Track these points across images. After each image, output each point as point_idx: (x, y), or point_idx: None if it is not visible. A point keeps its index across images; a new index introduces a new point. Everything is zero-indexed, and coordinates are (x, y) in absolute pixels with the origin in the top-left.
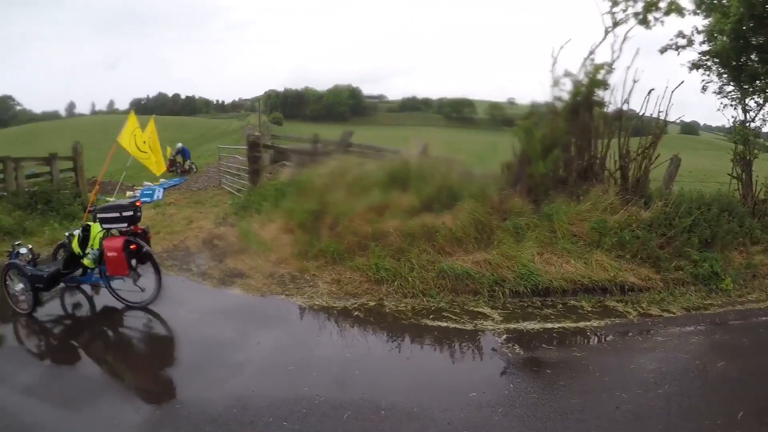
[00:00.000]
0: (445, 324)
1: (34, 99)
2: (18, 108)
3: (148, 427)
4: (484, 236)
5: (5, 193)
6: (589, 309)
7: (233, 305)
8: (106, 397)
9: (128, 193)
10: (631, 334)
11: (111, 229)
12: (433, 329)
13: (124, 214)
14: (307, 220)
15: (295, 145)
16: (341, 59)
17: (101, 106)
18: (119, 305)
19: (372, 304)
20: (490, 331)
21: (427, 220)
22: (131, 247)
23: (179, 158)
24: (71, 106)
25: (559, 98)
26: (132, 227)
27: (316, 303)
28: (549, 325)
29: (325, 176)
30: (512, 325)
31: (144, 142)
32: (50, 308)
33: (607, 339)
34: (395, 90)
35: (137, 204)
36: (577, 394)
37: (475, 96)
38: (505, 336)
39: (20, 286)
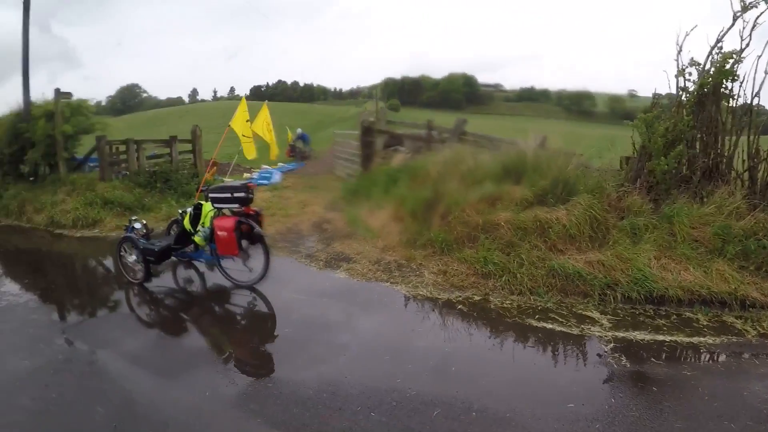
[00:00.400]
0: (550, 326)
1: (159, 87)
2: (144, 95)
3: (237, 400)
4: (598, 235)
5: (128, 172)
6: (705, 323)
7: (337, 289)
8: (204, 368)
9: (245, 175)
10: (747, 355)
11: (223, 209)
12: (538, 330)
13: (236, 195)
14: (417, 207)
15: (409, 131)
16: (458, 46)
17: (223, 92)
18: (227, 283)
19: (477, 298)
20: (596, 338)
21: (540, 214)
22: (242, 227)
23: (299, 143)
24: (194, 93)
25: (684, 89)
26: (244, 208)
27: (420, 293)
28: (660, 337)
29: (439, 164)
30: (621, 334)
31: (248, 123)
32: (162, 280)
33: (721, 359)
34: (512, 79)
35: (250, 186)
36: (681, 419)
37: (596, 88)
38: (612, 345)
39: (133, 257)
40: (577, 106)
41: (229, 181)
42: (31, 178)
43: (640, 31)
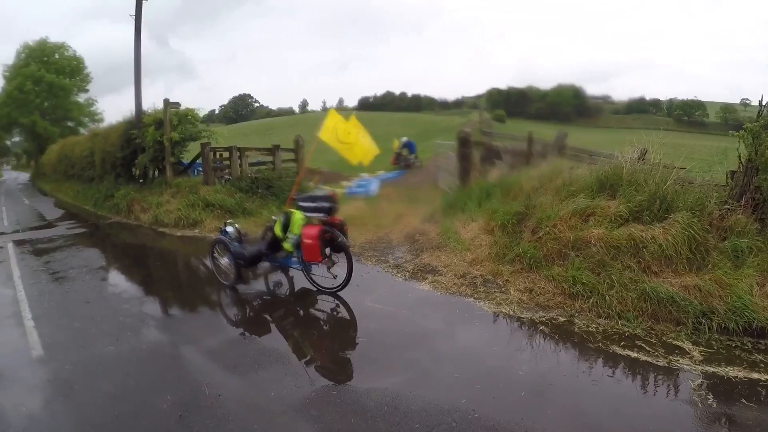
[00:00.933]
0: (635, 354)
1: (271, 97)
2: (255, 105)
3: (299, 404)
4: (697, 257)
5: (230, 177)
6: None
7: (418, 301)
8: (272, 368)
9: (344, 184)
10: None
11: (312, 217)
12: (621, 359)
13: (321, 204)
14: (508, 221)
15: (509, 143)
16: (567, 54)
17: (331, 103)
18: (313, 288)
19: (561, 320)
20: (684, 372)
21: (634, 232)
22: (326, 236)
23: (405, 152)
24: (304, 104)
25: None
26: (329, 217)
27: (503, 310)
28: (756, 375)
29: (534, 179)
30: (712, 368)
31: (348, 133)
32: (253, 283)
33: None
34: (621, 90)
35: (333, 196)
36: None
37: (707, 97)
38: (700, 380)
39: (225, 260)
40: (688, 116)
41: (316, 191)
42: (140, 180)
43: (756, 34)
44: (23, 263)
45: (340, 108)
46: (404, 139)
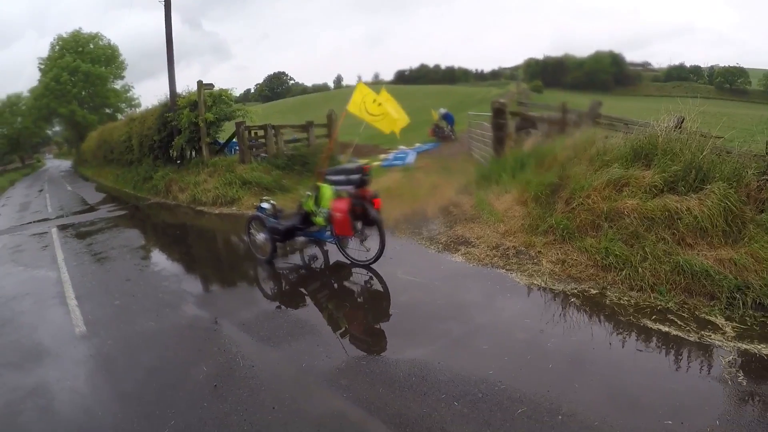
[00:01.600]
0: (666, 329)
1: (306, 74)
2: (291, 82)
3: (329, 374)
4: (733, 229)
5: (267, 155)
6: None
7: (451, 272)
8: (305, 340)
9: (381, 156)
10: None
11: (342, 190)
12: (652, 332)
13: (351, 177)
14: (542, 192)
15: (544, 113)
16: (605, 21)
17: (367, 78)
18: (347, 261)
19: (593, 292)
20: (716, 348)
21: (669, 203)
22: (356, 209)
23: (444, 123)
24: (339, 79)
25: None
26: (360, 190)
27: (535, 282)
28: None
29: (568, 148)
30: (744, 345)
31: (379, 104)
32: (289, 257)
33: None
34: (661, 56)
35: (365, 168)
36: None
37: (751, 64)
38: (731, 357)
39: (261, 235)
40: (730, 83)
41: (349, 163)
42: (177, 162)
43: None
44: (66, 246)
45: (376, 82)
46: (442, 110)
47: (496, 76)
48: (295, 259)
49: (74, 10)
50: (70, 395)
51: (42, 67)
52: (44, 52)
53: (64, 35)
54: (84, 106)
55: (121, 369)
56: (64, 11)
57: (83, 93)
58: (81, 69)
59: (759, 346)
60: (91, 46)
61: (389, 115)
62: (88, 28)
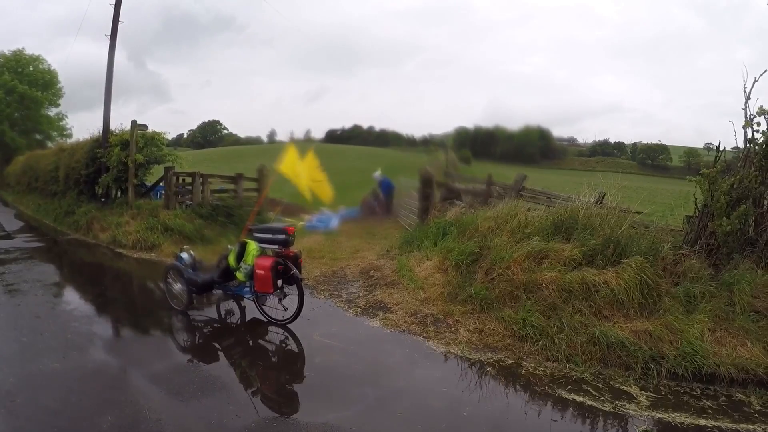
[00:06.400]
0: (581, 399)
1: (240, 125)
2: (224, 132)
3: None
4: (649, 301)
5: (191, 203)
6: (758, 407)
7: (369, 337)
8: (216, 396)
9: (305, 217)
10: None
11: (266, 248)
12: (567, 403)
13: (277, 236)
14: (463, 261)
15: (469, 185)
16: (540, 96)
17: (299, 134)
18: (264, 319)
19: (509, 362)
20: (630, 417)
21: (587, 276)
22: (279, 268)
23: (379, 191)
24: (272, 133)
25: (752, 141)
26: (284, 250)
27: (451, 351)
28: (702, 422)
29: (490, 219)
30: (658, 414)
31: (308, 169)
32: (204, 310)
33: None
34: (588, 132)
35: (289, 230)
36: None
37: (673, 141)
38: (645, 426)
39: (178, 286)
40: (651, 159)
41: (276, 222)
42: (102, 199)
43: (720, 80)
44: None
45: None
46: (378, 175)
47: (427, 142)
48: (212, 312)
49: (21, 29)
50: None
51: None
52: None
53: (6, 53)
54: (15, 128)
55: (21, 408)
56: (11, 26)
57: (16, 114)
58: (17, 90)
59: (673, 415)
60: (31, 69)
61: (312, 182)
62: (31, 49)
